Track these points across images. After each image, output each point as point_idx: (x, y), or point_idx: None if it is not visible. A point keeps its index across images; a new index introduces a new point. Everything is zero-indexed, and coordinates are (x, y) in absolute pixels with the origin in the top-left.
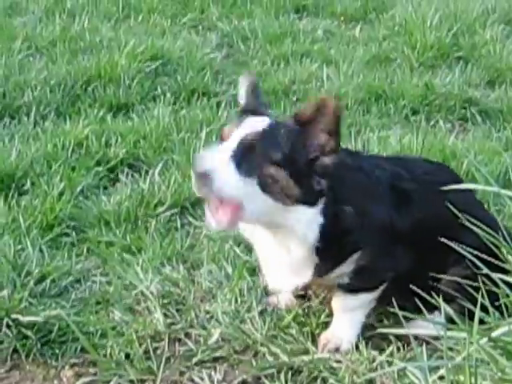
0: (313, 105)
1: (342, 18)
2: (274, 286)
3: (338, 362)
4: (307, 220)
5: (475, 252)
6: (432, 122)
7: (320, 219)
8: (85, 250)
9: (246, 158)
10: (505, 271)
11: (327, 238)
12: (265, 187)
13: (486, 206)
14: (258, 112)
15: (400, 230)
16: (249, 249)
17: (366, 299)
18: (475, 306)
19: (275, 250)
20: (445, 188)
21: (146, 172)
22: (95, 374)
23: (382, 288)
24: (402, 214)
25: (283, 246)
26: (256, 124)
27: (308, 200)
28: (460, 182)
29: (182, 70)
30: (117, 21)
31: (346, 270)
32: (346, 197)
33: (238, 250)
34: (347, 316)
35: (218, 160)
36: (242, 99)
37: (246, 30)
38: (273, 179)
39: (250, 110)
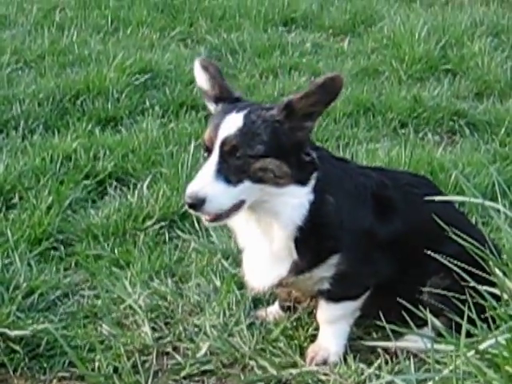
0: (320, 83)
1: (331, 31)
2: (251, 280)
3: (326, 374)
4: (296, 203)
5: (456, 262)
6: (420, 135)
7: (310, 200)
8: (73, 264)
9: (231, 165)
10: (489, 282)
11: (308, 226)
12: (258, 180)
13: (473, 218)
14: (232, 98)
15: (381, 237)
16: (237, 262)
17: (350, 308)
18: (461, 317)
19: (257, 239)
20: (427, 199)
21: (135, 185)
22: None
23: (364, 297)
24: (384, 221)
25: (265, 233)
26: (233, 121)
27: (301, 177)
28: (441, 193)
29: (171, 84)
30: (106, 34)
31: (325, 274)
32: (331, 191)
33: (226, 264)
34: (332, 327)
35: (205, 183)
36: (205, 84)
37: (234, 43)
38: (263, 170)
39: (224, 98)
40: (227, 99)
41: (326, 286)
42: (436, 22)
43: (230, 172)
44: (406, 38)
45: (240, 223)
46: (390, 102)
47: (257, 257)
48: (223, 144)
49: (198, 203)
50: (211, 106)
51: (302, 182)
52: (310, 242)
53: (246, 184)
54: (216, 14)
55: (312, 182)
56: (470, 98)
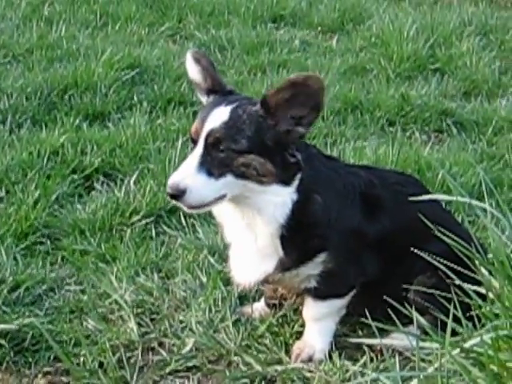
0: (293, 80)
1: (319, 29)
2: (237, 276)
3: (312, 371)
4: (279, 202)
5: (442, 260)
6: (408, 133)
7: (293, 199)
8: (59, 259)
9: (215, 158)
10: (475, 280)
11: (294, 224)
12: (241, 176)
13: (459, 217)
14: (224, 91)
15: (368, 236)
16: (223, 258)
17: (336, 306)
18: (447, 316)
19: (242, 235)
20: (414, 199)
21: (122, 181)
22: (68, 383)
23: (351, 295)
24: (372, 220)
25: (250, 229)
26: (219, 115)
27: (285, 177)
28: (428, 192)
29: (159, 79)
30: (94, 29)
31: (311, 271)
32: (318, 190)
33: (212, 260)
34: (318, 325)
35: (186, 175)
36: (197, 76)
37: (223, 39)
38: (246, 166)
39: (216, 90)
40: (219, 92)
41: (312, 283)
42: (424, 21)
43: (212, 165)
44: (395, 37)
45: (226, 218)
46: (377, 101)
47: (243, 253)
48: (208, 136)
49: (178, 194)
50: (203, 99)
51: (286, 182)
52: (297, 240)
53: (229, 178)
54: (205, 11)
55: (296, 183)
56: (457, 98)
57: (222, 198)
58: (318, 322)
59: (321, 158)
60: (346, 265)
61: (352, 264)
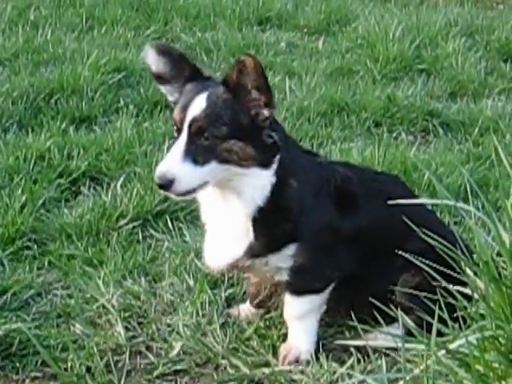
0: (234, 68)
1: (305, 31)
2: (208, 258)
3: (299, 373)
4: (258, 185)
5: (425, 261)
6: (394, 134)
7: (271, 182)
8: (46, 263)
9: (199, 146)
10: (459, 281)
11: (267, 207)
12: (224, 161)
13: (445, 219)
14: (203, 77)
15: (342, 231)
16: None
17: (314, 302)
18: (431, 316)
19: (218, 216)
20: (394, 197)
21: (108, 185)
22: None
23: (328, 290)
24: (346, 215)
25: (226, 211)
26: (199, 102)
27: (264, 159)
28: (412, 193)
29: (145, 82)
30: (80, 32)
31: (282, 264)
32: (294, 175)
33: (199, 263)
34: (300, 324)
35: (173, 164)
36: (168, 68)
37: (209, 42)
38: (228, 151)
39: (195, 77)
40: (199, 78)
41: (285, 277)
42: (410, 22)
43: (197, 153)
44: (381, 38)
45: (205, 198)
46: (364, 102)
47: (216, 235)
48: (191, 125)
49: (166, 184)
50: (168, 89)
51: (265, 165)
52: (268, 225)
53: (213, 165)
54: (191, 13)
55: (274, 165)
56: (443, 98)
57: (206, 183)
58: (300, 321)
59: (298, 147)
60: (317, 259)
61: (325, 258)
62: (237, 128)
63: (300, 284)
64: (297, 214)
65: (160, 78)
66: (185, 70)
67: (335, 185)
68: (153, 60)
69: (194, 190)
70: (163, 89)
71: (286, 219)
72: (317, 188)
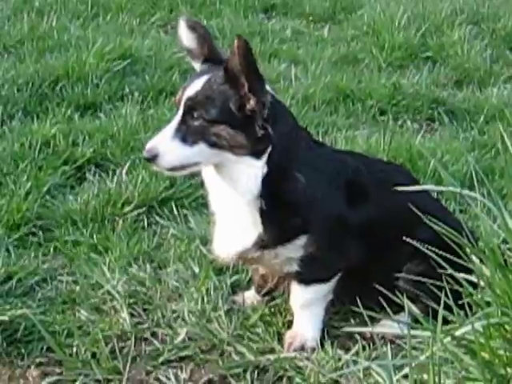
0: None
1: (311, 18)
2: (217, 247)
3: (304, 360)
4: (251, 173)
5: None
6: (399, 122)
7: (263, 172)
8: (51, 250)
9: (189, 125)
10: (465, 268)
11: (273, 200)
12: (213, 145)
13: (450, 206)
14: (219, 60)
15: (352, 222)
16: None
17: (321, 291)
18: (437, 303)
19: (225, 204)
20: (402, 188)
21: (114, 171)
22: (61, 374)
23: (335, 279)
24: (356, 207)
25: (231, 200)
26: (197, 83)
27: (255, 150)
28: (416, 182)
29: (150, 70)
30: (85, 19)
31: (292, 255)
32: (301, 169)
33: (204, 250)
34: (306, 312)
35: (161, 140)
36: (192, 43)
37: (214, 29)
38: (217, 136)
39: (212, 59)
40: (214, 60)
41: (294, 267)
42: (416, 10)
43: (187, 132)
44: (386, 26)
45: (212, 186)
46: (369, 90)
47: (225, 223)
48: (184, 104)
49: (150, 157)
50: (197, 66)
51: (257, 155)
52: (277, 218)
53: (202, 146)
54: (196, 1)
55: (265, 156)
56: (449, 86)
57: (196, 164)
58: (306, 309)
59: (307, 140)
60: (328, 250)
61: (334, 249)
62: (227, 114)
63: (308, 274)
64: (307, 208)
65: (190, 53)
66: (204, 50)
67: (345, 177)
68: (183, 34)
69: (182, 167)
70: (194, 64)
71: (294, 212)
72: (327, 182)
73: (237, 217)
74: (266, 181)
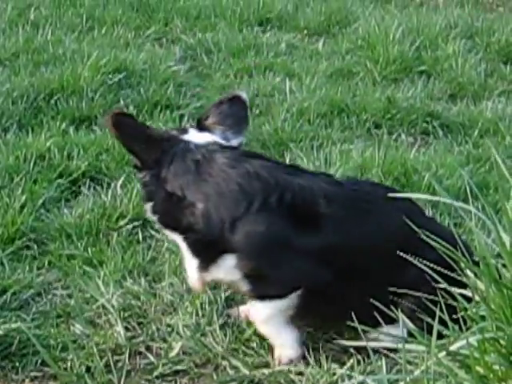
0: None
1: (305, 32)
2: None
3: (299, 374)
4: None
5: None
6: (394, 136)
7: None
8: (46, 263)
9: None
10: (460, 283)
11: (182, 226)
12: None
13: (446, 221)
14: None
15: (297, 246)
16: None
17: (278, 307)
18: (432, 318)
19: None
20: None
21: (108, 185)
22: None
23: (292, 296)
24: (305, 230)
25: None
26: None
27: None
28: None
29: (145, 83)
30: (80, 33)
31: (230, 277)
32: (197, 193)
33: None
34: (270, 328)
35: None
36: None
37: (209, 42)
38: None
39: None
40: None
41: (245, 287)
42: (411, 24)
43: None
44: (381, 40)
45: None
46: (364, 103)
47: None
48: None
49: None
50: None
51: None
52: (194, 240)
53: None
54: (191, 14)
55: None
56: (443, 100)
57: None
58: (267, 325)
59: (228, 155)
60: (268, 269)
61: (278, 268)
62: None
63: (257, 291)
64: (216, 230)
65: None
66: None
67: (289, 199)
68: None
69: None
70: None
71: (206, 235)
72: (241, 201)
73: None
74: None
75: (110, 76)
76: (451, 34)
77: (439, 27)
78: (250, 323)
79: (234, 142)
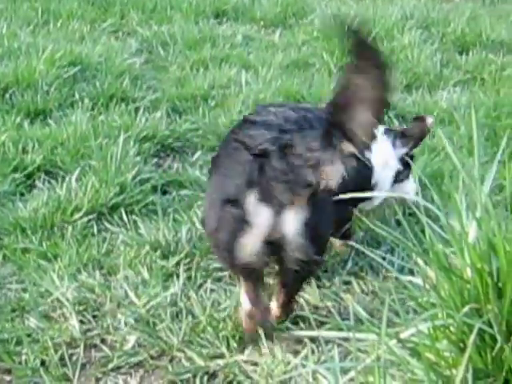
0: None
1: (262, 23)
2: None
3: (254, 364)
4: None
5: None
6: None
7: None
8: (0, 257)
9: None
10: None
11: None
12: None
13: (400, 210)
14: None
15: None
16: (165, 254)
17: None
18: None
19: None
20: None
21: (63, 178)
22: (10, 382)
23: None
24: None
25: None
26: None
27: None
28: None
29: (101, 76)
30: (36, 26)
31: None
32: None
33: (154, 256)
34: None
35: None
36: None
37: (165, 35)
38: None
39: None
40: None
41: None
42: (366, 15)
43: None
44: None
45: None
46: (320, 94)
47: None
48: None
49: None
50: None
51: None
52: None
53: None
54: (147, 7)
55: None
56: (399, 90)
57: None
58: None
59: None
60: None
61: None
62: None
63: None
64: None
65: None
66: None
67: None
68: None
69: None
70: None
71: None
72: None
73: None
74: None
75: (66, 69)
76: (407, 25)
77: (395, 18)
78: (204, 314)
79: None
